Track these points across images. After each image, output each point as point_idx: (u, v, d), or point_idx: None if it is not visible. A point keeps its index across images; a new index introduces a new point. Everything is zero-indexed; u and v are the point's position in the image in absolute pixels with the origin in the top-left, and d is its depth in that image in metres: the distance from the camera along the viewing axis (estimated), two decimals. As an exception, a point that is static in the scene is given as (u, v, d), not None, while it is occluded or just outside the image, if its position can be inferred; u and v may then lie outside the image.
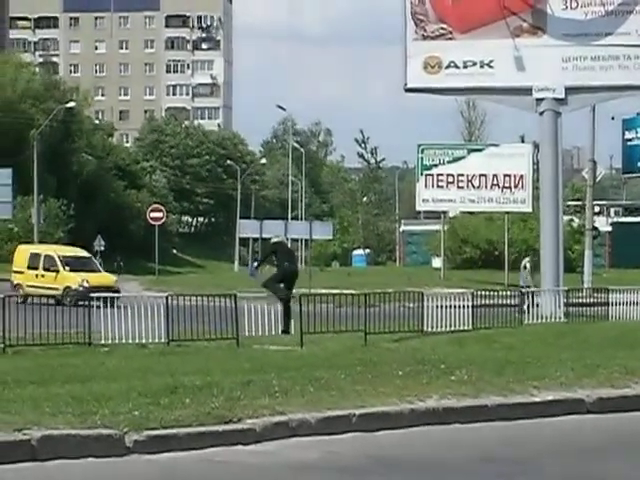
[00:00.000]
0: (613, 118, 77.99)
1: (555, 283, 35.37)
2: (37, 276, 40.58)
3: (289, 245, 33.46)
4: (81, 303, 26.38)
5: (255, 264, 29.17)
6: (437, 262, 65.88)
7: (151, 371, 16.60)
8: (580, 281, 48.14)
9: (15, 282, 39.73)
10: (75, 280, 39.53)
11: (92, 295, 26.60)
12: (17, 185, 66.50)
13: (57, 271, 41.34)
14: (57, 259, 42.73)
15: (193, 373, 15.93)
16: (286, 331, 24.94)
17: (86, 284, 37.86)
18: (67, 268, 41.86)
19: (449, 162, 60.45)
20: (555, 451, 12.78)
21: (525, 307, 32.71)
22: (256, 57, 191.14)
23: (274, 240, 27.69)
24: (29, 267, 42.25)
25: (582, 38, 35.68)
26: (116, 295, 29.17)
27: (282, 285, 25.53)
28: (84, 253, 47.62)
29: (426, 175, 60.84)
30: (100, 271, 43.80)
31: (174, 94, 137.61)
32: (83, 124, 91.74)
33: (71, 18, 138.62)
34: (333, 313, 26.58)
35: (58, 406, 12.38)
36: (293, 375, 16.08)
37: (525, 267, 42.18)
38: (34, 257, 43.29)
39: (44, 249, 46.47)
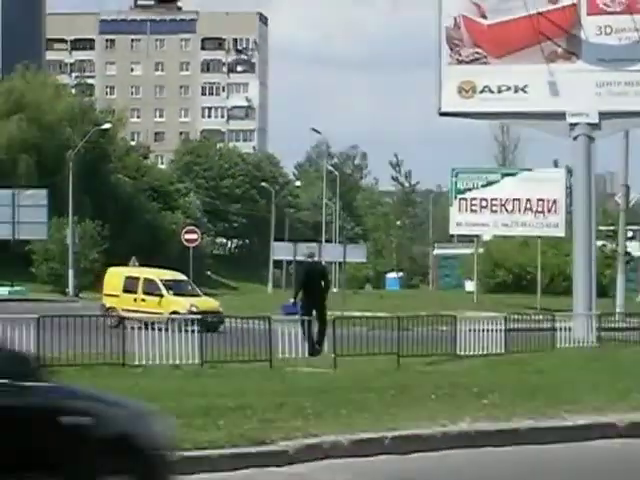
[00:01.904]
0: None
1: (588, 307, 35.15)
2: (136, 300, 39.01)
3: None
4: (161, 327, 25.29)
5: (291, 300, 27.68)
6: (470, 286, 66.14)
7: (185, 392, 16.59)
8: (613, 305, 47.74)
9: (107, 305, 38.44)
10: (182, 305, 38.07)
11: (200, 319, 27.42)
12: (53, 206, 66.88)
13: (161, 295, 39.94)
14: (159, 283, 41.35)
15: (226, 395, 15.99)
16: (313, 353, 24.59)
17: (194, 309, 36.67)
18: (170, 292, 40.59)
19: (483, 186, 60.77)
20: (587, 476, 12.78)
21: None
22: (291, 80, 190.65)
23: (304, 259, 27.57)
24: (125, 290, 40.56)
25: (616, 63, 35.52)
26: (222, 319, 30.30)
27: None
28: (183, 277, 46.21)
29: (460, 199, 61.10)
30: (200, 295, 42.73)
31: (209, 116, 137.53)
32: (118, 145, 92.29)
33: (107, 40, 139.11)
34: (366, 336, 26.36)
35: None
36: (326, 397, 16.19)
37: None
38: (131, 280, 41.66)
39: (141, 272, 44.78)
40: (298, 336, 25.33)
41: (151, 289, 39.89)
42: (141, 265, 63.86)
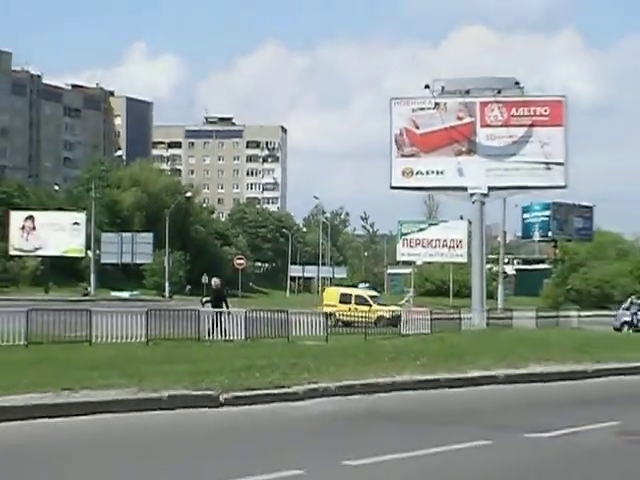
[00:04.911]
0: (516, 206, 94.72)
1: (480, 305, 41.28)
2: (350, 309, 40.50)
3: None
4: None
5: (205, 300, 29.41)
6: (410, 292, 76.25)
7: (235, 356, 18.44)
8: (495, 304, 55.84)
9: (328, 312, 36.56)
10: (385, 311, 42.12)
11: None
12: (155, 243, 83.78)
13: (370, 305, 42.99)
14: (367, 297, 46.00)
15: (260, 358, 17.71)
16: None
17: (393, 314, 40.33)
18: (379, 304, 45.29)
19: (417, 231, 76.16)
20: (482, 404, 14.29)
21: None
22: (300, 166, 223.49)
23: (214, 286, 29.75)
24: (341, 302, 43.89)
25: (498, 157, 42.09)
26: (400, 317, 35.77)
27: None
28: (376, 293, 52.78)
29: (403, 239, 76.36)
30: (387, 305, 46.76)
31: (251, 189, 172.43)
32: (195, 207, 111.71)
33: (189, 142, 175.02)
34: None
35: (178, 377, 14.11)
36: (321, 360, 17.92)
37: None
38: (345, 296, 45.81)
39: (353, 291, 49.49)
40: (306, 322, 28.52)
41: (361, 301, 44.28)
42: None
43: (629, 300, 46.30)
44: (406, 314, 37.55)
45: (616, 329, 41.32)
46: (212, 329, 25.78)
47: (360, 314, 35.41)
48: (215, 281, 30.21)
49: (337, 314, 37.35)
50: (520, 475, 9.14)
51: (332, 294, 47.20)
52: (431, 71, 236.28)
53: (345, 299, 44.72)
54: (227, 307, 27.25)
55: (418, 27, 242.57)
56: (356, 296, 45.73)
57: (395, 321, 35.96)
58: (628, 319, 42.83)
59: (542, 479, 9.01)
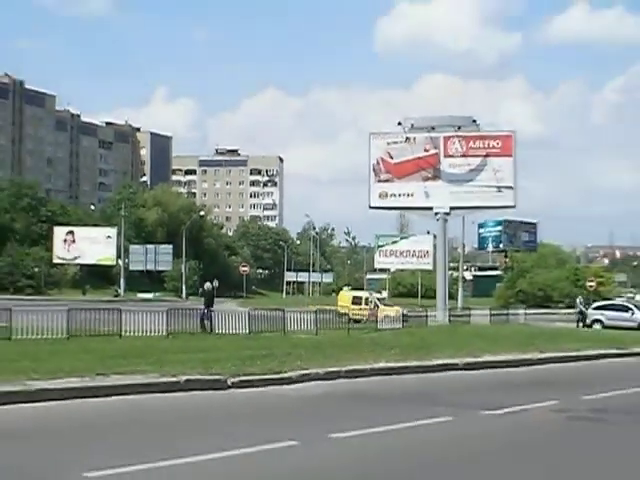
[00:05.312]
0: (473, 222, 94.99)
1: (444, 305, 41.22)
2: (361, 309, 40.24)
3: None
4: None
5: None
6: (384, 294, 74.72)
7: (240, 347, 18.48)
8: (456, 304, 55.52)
9: (342, 312, 36.91)
10: (392, 311, 40.22)
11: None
12: (174, 252, 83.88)
13: (377, 306, 42.44)
14: (376, 300, 45.36)
15: (261, 348, 17.69)
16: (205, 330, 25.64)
17: (398, 313, 38.74)
18: (382, 305, 44.22)
19: (391, 243, 75.66)
20: (446, 387, 14.19)
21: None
22: (295, 190, 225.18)
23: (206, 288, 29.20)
24: (353, 303, 42.51)
25: (458, 182, 42.01)
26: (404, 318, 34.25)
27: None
28: (383, 295, 52.25)
29: (379, 250, 75.74)
30: (392, 305, 45.30)
31: (254, 208, 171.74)
32: (207, 223, 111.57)
33: (202, 170, 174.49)
34: (334, 318, 31.03)
35: (193, 364, 14.01)
36: (312, 350, 17.89)
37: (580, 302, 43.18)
38: (356, 298, 44.64)
39: (362, 294, 48.33)
40: (298, 318, 28.18)
41: (371, 303, 43.71)
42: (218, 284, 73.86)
43: (576, 300, 45.35)
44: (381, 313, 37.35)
45: (587, 326, 39.87)
46: (201, 322, 25.93)
47: (368, 313, 34.96)
48: (207, 285, 29.83)
49: (350, 314, 36.21)
50: (476, 444, 9.15)
51: (345, 297, 46.30)
52: (403, 111, 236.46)
53: (356, 301, 44.03)
54: (212, 306, 27.13)
55: (392, 74, 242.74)
56: (366, 299, 45.13)
57: (398, 319, 35.15)
58: (598, 317, 41.00)
59: (494, 448, 9.00)
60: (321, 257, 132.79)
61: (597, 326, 39.24)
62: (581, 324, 40.43)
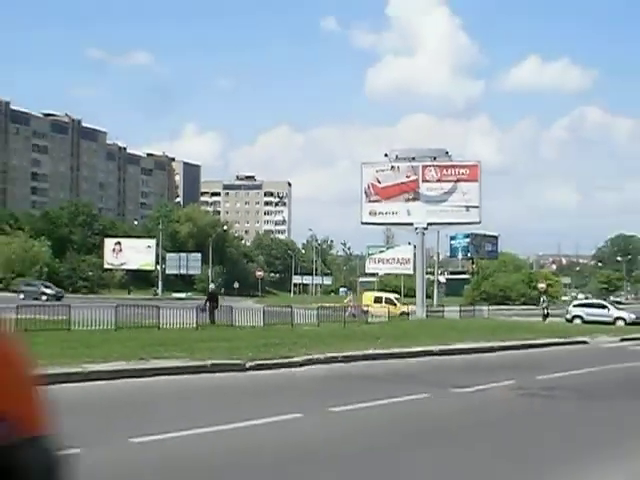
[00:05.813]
0: (446, 235, 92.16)
1: (422, 303, 40.51)
2: (381, 307, 38.92)
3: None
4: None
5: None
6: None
7: (256, 337, 18.23)
8: (433, 303, 54.20)
9: (365, 309, 36.75)
10: (406, 308, 40.24)
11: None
12: (203, 259, 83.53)
13: (395, 305, 41.86)
14: (394, 299, 44.34)
15: (273, 338, 17.53)
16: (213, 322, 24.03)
17: (409, 310, 39.29)
18: (401, 303, 43.51)
19: (379, 252, 73.48)
20: (423, 370, 13.94)
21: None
22: (301, 210, 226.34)
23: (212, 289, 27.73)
24: (375, 302, 41.82)
25: (434, 202, 41.26)
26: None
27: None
28: (397, 296, 49.51)
29: (370, 258, 73.49)
30: (407, 304, 43.56)
31: (267, 224, 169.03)
32: (230, 236, 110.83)
33: (225, 192, 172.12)
34: (333, 314, 29.83)
35: (218, 351, 13.92)
36: (315, 339, 17.89)
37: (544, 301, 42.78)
38: (377, 298, 43.69)
39: (382, 294, 46.66)
40: (304, 314, 27.65)
41: (389, 302, 42.51)
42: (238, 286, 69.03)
43: (540, 300, 43.95)
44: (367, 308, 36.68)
45: (568, 321, 38.33)
46: (206, 317, 24.68)
47: (387, 310, 34.50)
48: (212, 286, 29.35)
49: (372, 310, 35.60)
50: (450, 415, 9.10)
51: (368, 297, 45.07)
52: (389, 144, 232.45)
53: (377, 300, 43.09)
54: (217, 304, 25.78)
55: (380, 114, 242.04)
56: (385, 298, 44.10)
57: (413, 313, 34.38)
58: (578, 313, 39.33)
59: (464, 418, 8.94)
60: (322, 264, 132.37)
61: (578, 321, 38.03)
62: (547, 319, 39.71)
